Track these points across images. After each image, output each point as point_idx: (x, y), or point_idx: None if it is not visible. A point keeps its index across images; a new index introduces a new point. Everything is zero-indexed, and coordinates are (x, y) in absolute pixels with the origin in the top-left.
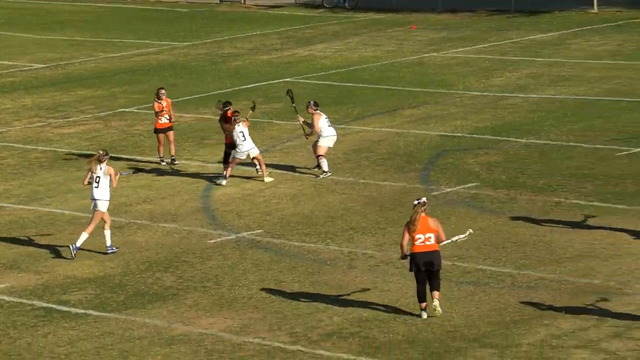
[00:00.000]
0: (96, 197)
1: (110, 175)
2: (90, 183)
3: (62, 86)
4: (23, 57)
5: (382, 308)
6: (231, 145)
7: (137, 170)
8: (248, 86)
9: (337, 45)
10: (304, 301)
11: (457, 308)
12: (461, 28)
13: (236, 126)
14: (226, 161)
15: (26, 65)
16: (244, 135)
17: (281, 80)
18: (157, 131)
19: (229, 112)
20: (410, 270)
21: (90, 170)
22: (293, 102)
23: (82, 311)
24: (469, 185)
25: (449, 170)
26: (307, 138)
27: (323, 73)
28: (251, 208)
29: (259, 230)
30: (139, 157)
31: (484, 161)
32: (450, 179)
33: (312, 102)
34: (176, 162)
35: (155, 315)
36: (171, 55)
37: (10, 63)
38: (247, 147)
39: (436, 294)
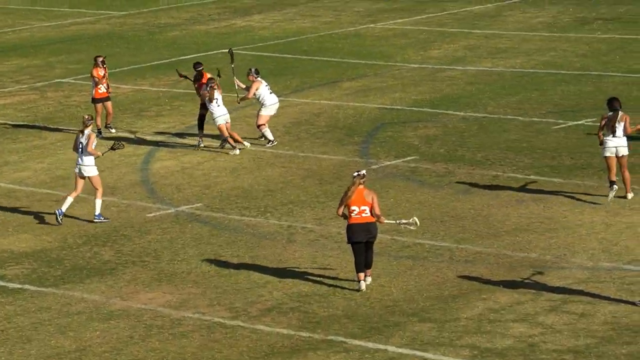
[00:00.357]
0: (79, 162)
1: (88, 140)
2: (76, 149)
3: None
4: None
5: (321, 282)
6: (204, 106)
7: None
8: (186, 57)
9: (275, 15)
10: (244, 276)
11: (396, 282)
12: None
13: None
14: (201, 126)
15: None
16: (217, 102)
17: (219, 51)
18: (95, 101)
19: (204, 73)
20: (348, 242)
21: (77, 135)
22: (232, 62)
23: (19, 286)
24: (408, 158)
25: (388, 143)
26: (238, 103)
27: (261, 44)
28: (190, 181)
29: (198, 204)
30: (75, 129)
31: (422, 134)
32: (389, 152)
33: (253, 70)
34: (112, 130)
35: (94, 290)
36: (107, 25)
37: None
38: (221, 112)
39: (368, 271)
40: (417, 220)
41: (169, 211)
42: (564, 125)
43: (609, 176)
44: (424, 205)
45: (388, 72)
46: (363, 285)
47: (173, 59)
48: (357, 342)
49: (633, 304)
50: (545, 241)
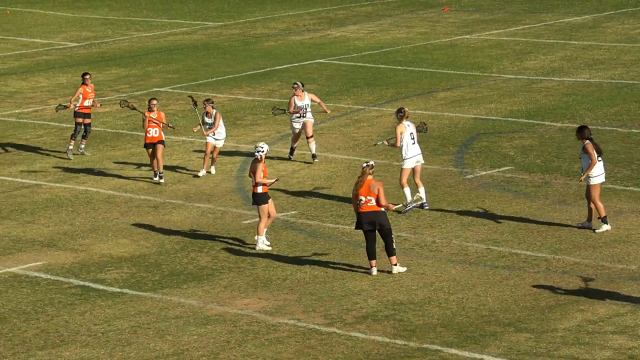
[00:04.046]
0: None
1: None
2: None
3: (96, 65)
4: (57, 35)
5: (416, 291)
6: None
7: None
8: (281, 67)
9: (370, 26)
10: (339, 283)
11: (492, 292)
12: (494, 10)
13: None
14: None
15: (60, 43)
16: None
17: (314, 61)
18: (146, 146)
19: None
20: (356, 228)
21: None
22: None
23: (118, 290)
24: (504, 168)
25: (483, 153)
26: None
27: (356, 54)
28: (285, 189)
29: (294, 212)
30: (172, 137)
31: (518, 145)
32: (484, 162)
33: (299, 83)
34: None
35: (191, 295)
36: (204, 35)
37: (44, 41)
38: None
39: (393, 259)
40: (419, 194)
41: None
42: None
43: None
44: (520, 215)
45: (483, 82)
46: (374, 271)
47: (268, 69)
48: (453, 350)
49: None
50: None
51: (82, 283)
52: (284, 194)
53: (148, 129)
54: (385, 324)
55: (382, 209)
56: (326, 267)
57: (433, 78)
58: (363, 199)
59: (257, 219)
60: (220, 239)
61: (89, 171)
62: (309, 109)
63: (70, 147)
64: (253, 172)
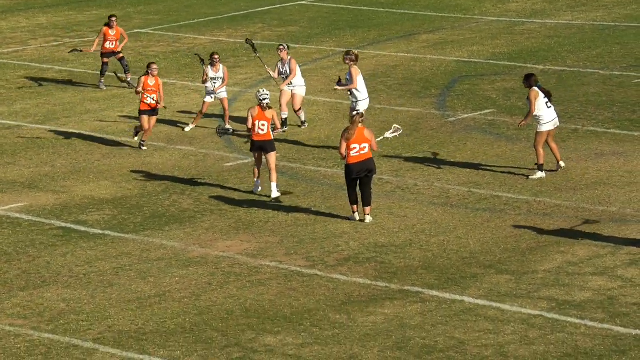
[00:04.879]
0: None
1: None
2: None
3: (77, 5)
4: None
5: (398, 234)
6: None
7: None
8: (263, 8)
9: None
10: (320, 226)
11: (473, 234)
12: None
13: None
14: None
15: None
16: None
17: (296, 3)
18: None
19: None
20: (347, 177)
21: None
22: (256, 52)
23: (100, 232)
24: (486, 111)
25: (466, 96)
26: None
27: None
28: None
29: (277, 155)
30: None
31: (500, 87)
32: (466, 105)
33: (285, 45)
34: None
35: (173, 237)
36: None
37: None
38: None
39: (367, 209)
40: (397, 126)
41: (246, 161)
42: None
43: None
44: (501, 158)
45: (466, 25)
46: (357, 216)
47: (250, 10)
48: (434, 292)
49: None
50: (625, 195)
51: (63, 224)
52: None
53: (145, 96)
54: (367, 266)
55: (372, 155)
56: (308, 210)
57: (415, 20)
58: (357, 146)
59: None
60: (202, 182)
61: (70, 113)
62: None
63: (102, 81)
64: (267, 120)
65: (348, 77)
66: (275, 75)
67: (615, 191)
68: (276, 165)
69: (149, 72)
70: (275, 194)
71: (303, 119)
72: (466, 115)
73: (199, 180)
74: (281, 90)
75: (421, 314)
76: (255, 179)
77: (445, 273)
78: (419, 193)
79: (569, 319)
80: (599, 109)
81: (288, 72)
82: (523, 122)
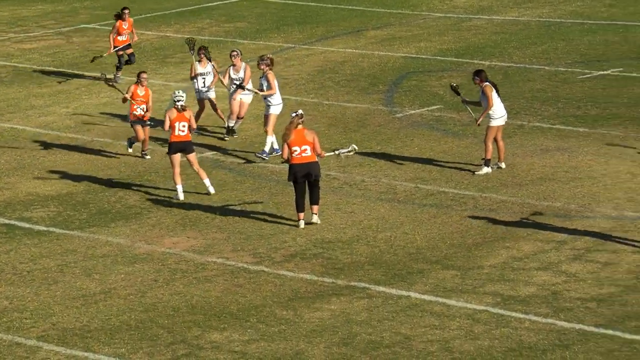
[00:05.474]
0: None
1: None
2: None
3: (21, 0)
4: None
5: (345, 229)
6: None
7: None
8: (211, 4)
9: None
10: (267, 222)
11: (419, 230)
12: None
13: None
14: None
15: None
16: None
17: None
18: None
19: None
20: (288, 180)
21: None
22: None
23: (45, 228)
24: (433, 107)
25: (413, 92)
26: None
27: None
28: (213, 129)
29: (222, 151)
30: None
31: (447, 83)
32: (414, 101)
33: (238, 51)
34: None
35: (119, 234)
36: None
37: None
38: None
39: (315, 207)
40: (355, 146)
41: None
42: (589, 75)
43: None
44: (448, 154)
45: (413, 21)
46: (302, 224)
47: (197, 6)
48: (380, 288)
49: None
50: (569, 190)
51: (7, 221)
52: (211, 133)
53: (135, 107)
54: (314, 262)
55: (316, 159)
56: (255, 206)
57: (363, 16)
58: (298, 149)
59: (183, 159)
60: (149, 178)
61: (14, 108)
62: (249, 86)
63: (118, 75)
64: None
65: (265, 83)
66: (225, 80)
67: (559, 186)
68: (222, 162)
69: (139, 81)
70: (212, 189)
71: (235, 126)
72: (413, 111)
73: (146, 177)
74: (232, 99)
75: (367, 309)
76: (177, 185)
77: (391, 269)
78: (366, 189)
79: (514, 314)
80: (545, 104)
81: (242, 79)
82: (481, 119)
